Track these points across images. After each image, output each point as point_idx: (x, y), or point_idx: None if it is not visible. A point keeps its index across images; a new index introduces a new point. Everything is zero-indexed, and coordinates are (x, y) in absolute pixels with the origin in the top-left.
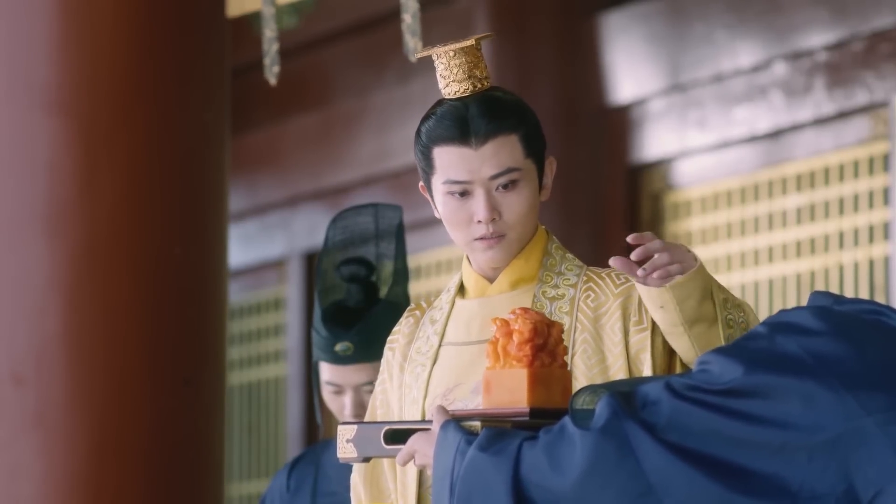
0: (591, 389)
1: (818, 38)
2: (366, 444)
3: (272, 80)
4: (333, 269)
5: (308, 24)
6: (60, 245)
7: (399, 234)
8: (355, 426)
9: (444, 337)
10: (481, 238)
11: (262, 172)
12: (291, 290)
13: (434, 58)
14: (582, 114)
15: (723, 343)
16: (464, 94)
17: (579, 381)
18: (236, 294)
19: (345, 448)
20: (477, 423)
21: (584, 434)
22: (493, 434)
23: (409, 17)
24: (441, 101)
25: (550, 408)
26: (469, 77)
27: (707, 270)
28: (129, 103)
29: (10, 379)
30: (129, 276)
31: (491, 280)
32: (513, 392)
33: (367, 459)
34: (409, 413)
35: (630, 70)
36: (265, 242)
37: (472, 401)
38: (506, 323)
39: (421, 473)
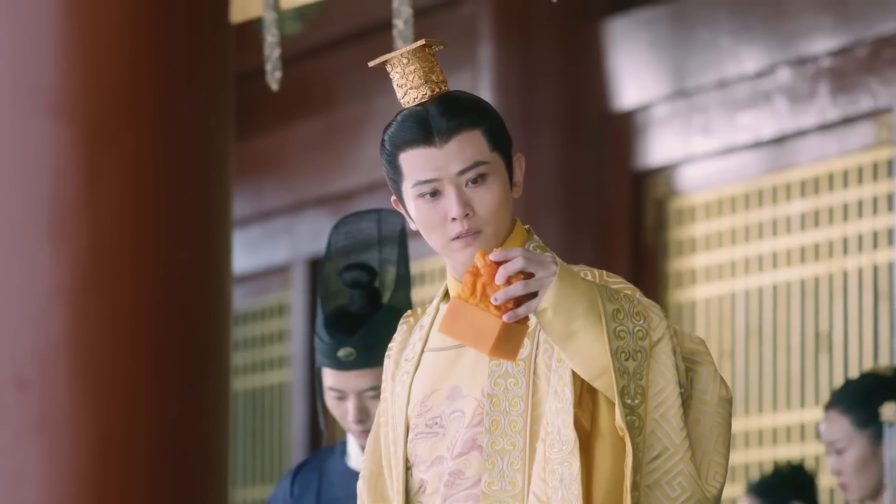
0: None
1: (822, 44)
2: None
3: (274, 86)
4: (336, 275)
5: (312, 30)
6: (64, 249)
7: (402, 239)
8: None
9: (426, 343)
10: (457, 237)
11: (266, 178)
12: (296, 295)
13: (389, 68)
14: (586, 119)
15: (609, 355)
16: (423, 100)
17: (541, 379)
18: (240, 300)
19: None
20: None
21: None
22: None
23: (402, 22)
24: (402, 111)
25: None
26: (426, 82)
27: (584, 285)
28: (133, 108)
29: (14, 383)
30: (133, 281)
31: None
32: (479, 334)
33: None
34: (398, 422)
35: (634, 75)
36: (269, 248)
37: (447, 407)
38: (495, 265)
39: (409, 480)
